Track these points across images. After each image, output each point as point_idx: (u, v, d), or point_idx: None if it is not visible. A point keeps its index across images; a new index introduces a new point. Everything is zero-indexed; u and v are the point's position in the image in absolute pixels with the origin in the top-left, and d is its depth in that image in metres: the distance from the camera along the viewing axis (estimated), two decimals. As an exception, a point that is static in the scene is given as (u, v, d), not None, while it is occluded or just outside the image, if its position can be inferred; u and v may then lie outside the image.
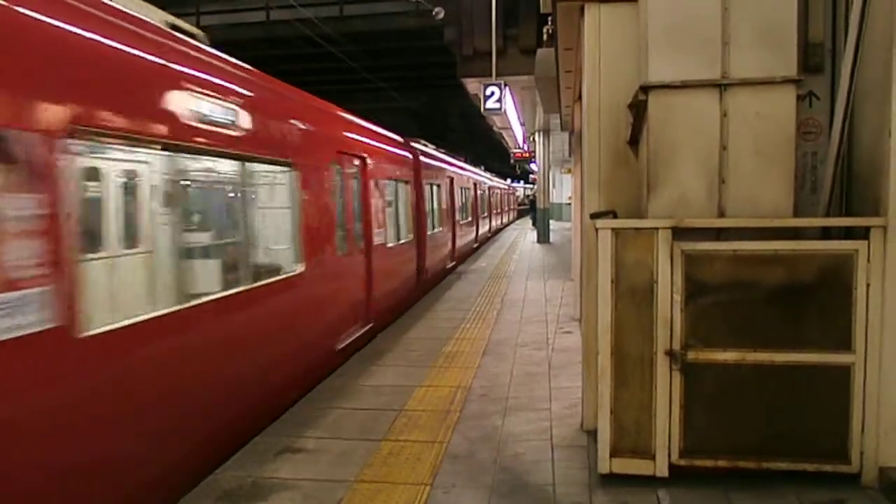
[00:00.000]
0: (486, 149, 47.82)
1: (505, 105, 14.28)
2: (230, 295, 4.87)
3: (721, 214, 3.87)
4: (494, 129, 30.77)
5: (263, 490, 3.97)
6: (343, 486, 4.00)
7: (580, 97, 6.06)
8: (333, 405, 5.52)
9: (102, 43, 3.65)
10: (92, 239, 5.27)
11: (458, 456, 4.43)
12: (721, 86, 3.83)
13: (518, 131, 27.04)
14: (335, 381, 6.28)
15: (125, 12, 3.94)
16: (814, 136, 4.18)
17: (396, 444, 4.64)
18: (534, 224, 28.07)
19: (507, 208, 36.32)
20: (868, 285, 3.65)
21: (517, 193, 51.10)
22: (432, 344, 7.69)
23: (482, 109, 14.33)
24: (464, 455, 4.45)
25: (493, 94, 13.78)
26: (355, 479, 4.09)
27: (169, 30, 4.49)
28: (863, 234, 3.68)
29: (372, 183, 8.46)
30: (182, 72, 4.37)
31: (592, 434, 4.36)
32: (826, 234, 3.94)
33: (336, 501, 3.80)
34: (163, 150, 4.16)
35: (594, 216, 4.20)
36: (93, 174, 5.39)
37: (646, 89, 3.93)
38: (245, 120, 5.06)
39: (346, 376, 6.41)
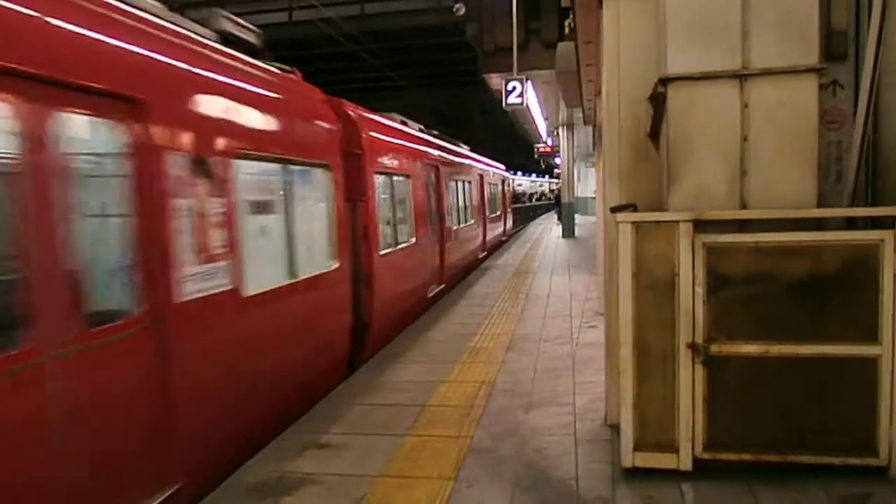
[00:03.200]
0: (510, 144, 47.69)
1: (527, 100, 14.24)
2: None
3: (743, 206, 3.84)
4: (518, 124, 30.68)
5: (289, 485, 4.03)
6: (367, 480, 4.05)
7: (601, 91, 6.04)
8: (358, 401, 5.57)
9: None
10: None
11: (481, 451, 4.46)
12: (742, 76, 3.79)
13: (542, 126, 26.94)
14: (359, 377, 6.34)
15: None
16: (838, 126, 4.12)
17: (420, 440, 4.68)
18: (559, 219, 27.89)
19: (486, 214, 18.55)
20: (895, 275, 3.59)
21: (513, 186, 31.54)
22: (456, 340, 7.72)
23: (504, 105, 14.30)
24: (487, 450, 4.47)
25: (514, 89, 13.75)
26: (379, 474, 4.13)
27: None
28: (889, 223, 3.61)
29: None
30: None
31: (616, 428, 4.34)
32: (851, 224, 3.88)
33: (360, 496, 3.85)
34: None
35: (614, 210, 4.19)
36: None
37: (665, 81, 3.90)
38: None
39: (370, 373, 6.46)
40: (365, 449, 4.55)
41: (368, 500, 3.80)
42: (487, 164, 19.75)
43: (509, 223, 25.35)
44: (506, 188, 24.19)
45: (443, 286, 11.37)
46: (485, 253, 17.38)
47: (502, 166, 24.36)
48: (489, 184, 19.48)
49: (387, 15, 18.32)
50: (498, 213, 21.41)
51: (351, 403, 5.51)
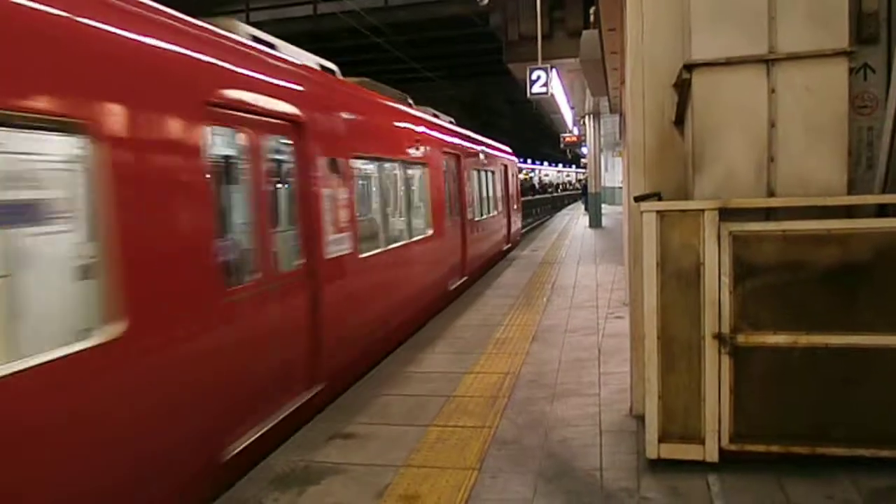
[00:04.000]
0: (537, 135, 47.46)
1: (552, 89, 14.13)
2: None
3: (770, 194, 3.77)
4: (544, 114, 30.52)
5: (315, 474, 4.07)
6: (392, 470, 4.08)
7: (626, 79, 5.97)
8: (383, 392, 5.61)
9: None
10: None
11: (505, 441, 4.46)
12: (768, 61, 3.72)
13: (568, 115, 26.75)
14: (385, 368, 6.38)
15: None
16: (869, 110, 4.01)
17: (445, 430, 4.69)
18: (586, 209, 27.66)
19: (467, 218, 11.58)
20: (928, 264, 3.50)
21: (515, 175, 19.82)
22: (482, 331, 7.72)
23: (528, 94, 14.21)
24: (511, 440, 4.47)
25: (539, 78, 13.65)
26: (404, 464, 4.16)
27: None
28: (922, 210, 3.53)
29: None
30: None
31: (641, 419, 4.31)
32: (882, 211, 3.79)
33: (385, 485, 3.88)
34: None
35: (638, 199, 4.15)
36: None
37: (689, 68, 3.85)
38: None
39: (396, 363, 6.49)
40: (390, 439, 4.58)
41: (393, 490, 3.83)
42: (469, 141, 12.75)
43: (517, 224, 18.40)
44: (511, 178, 17.44)
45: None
46: (464, 278, 10.93)
47: (507, 149, 17.82)
48: (480, 170, 13.21)
49: (410, 6, 18.31)
50: (494, 213, 14.61)
51: (376, 394, 5.55)
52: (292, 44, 5.89)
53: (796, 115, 3.69)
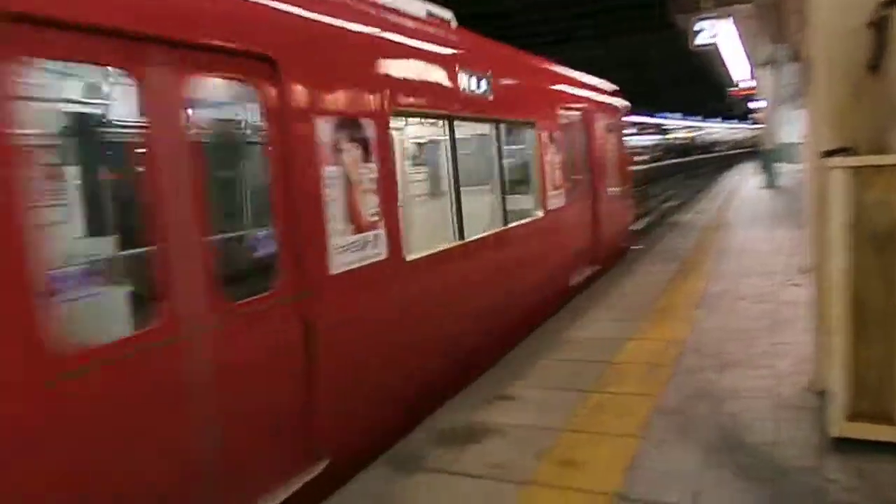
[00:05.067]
0: (698, 90, 44.60)
1: (721, 39, 13.12)
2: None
3: None
4: (711, 66, 28.55)
5: (477, 433, 4.18)
6: (552, 433, 4.09)
7: (810, 21, 5.40)
8: (543, 356, 5.61)
9: None
10: None
11: (669, 410, 4.31)
12: None
13: (739, 67, 24.78)
14: (544, 332, 6.37)
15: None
16: None
17: (604, 396, 4.62)
18: (764, 168, 25.59)
19: None
20: None
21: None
22: (643, 297, 7.48)
23: (690, 46, 13.27)
24: (675, 410, 4.31)
25: (703, 29, 12.71)
26: (563, 428, 4.15)
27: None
28: None
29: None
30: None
31: (821, 394, 3.99)
32: None
33: (544, 448, 3.90)
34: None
35: (827, 154, 3.76)
36: None
37: (889, 3, 3.39)
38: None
39: (555, 329, 6.47)
40: (549, 403, 4.58)
41: (552, 453, 3.84)
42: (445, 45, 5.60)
43: (621, 219, 11.01)
44: (607, 137, 10.25)
45: None
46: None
47: (602, 85, 10.60)
48: (497, 125, 6.57)
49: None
50: (537, 215, 7.37)
51: (536, 358, 5.57)
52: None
53: None
